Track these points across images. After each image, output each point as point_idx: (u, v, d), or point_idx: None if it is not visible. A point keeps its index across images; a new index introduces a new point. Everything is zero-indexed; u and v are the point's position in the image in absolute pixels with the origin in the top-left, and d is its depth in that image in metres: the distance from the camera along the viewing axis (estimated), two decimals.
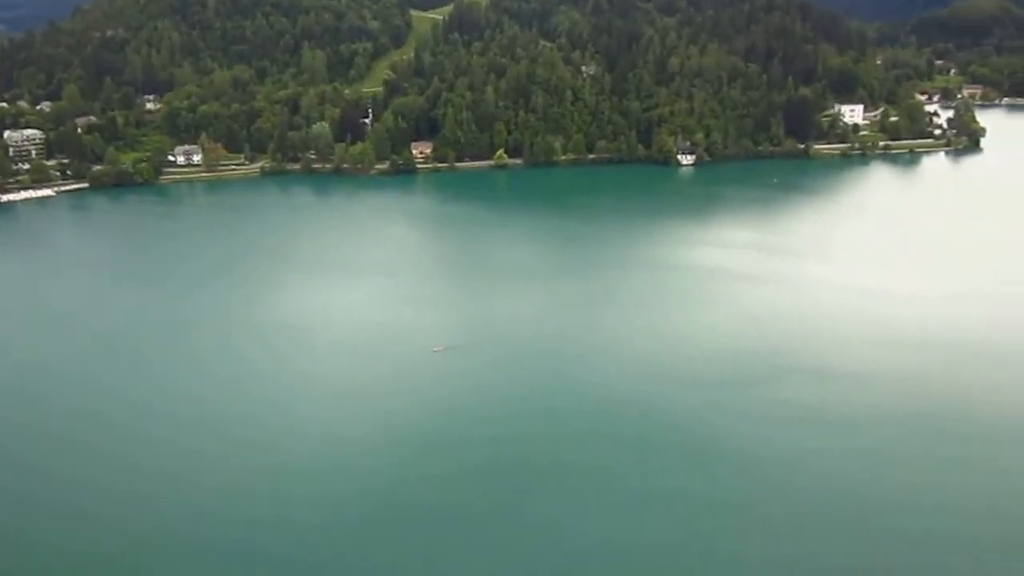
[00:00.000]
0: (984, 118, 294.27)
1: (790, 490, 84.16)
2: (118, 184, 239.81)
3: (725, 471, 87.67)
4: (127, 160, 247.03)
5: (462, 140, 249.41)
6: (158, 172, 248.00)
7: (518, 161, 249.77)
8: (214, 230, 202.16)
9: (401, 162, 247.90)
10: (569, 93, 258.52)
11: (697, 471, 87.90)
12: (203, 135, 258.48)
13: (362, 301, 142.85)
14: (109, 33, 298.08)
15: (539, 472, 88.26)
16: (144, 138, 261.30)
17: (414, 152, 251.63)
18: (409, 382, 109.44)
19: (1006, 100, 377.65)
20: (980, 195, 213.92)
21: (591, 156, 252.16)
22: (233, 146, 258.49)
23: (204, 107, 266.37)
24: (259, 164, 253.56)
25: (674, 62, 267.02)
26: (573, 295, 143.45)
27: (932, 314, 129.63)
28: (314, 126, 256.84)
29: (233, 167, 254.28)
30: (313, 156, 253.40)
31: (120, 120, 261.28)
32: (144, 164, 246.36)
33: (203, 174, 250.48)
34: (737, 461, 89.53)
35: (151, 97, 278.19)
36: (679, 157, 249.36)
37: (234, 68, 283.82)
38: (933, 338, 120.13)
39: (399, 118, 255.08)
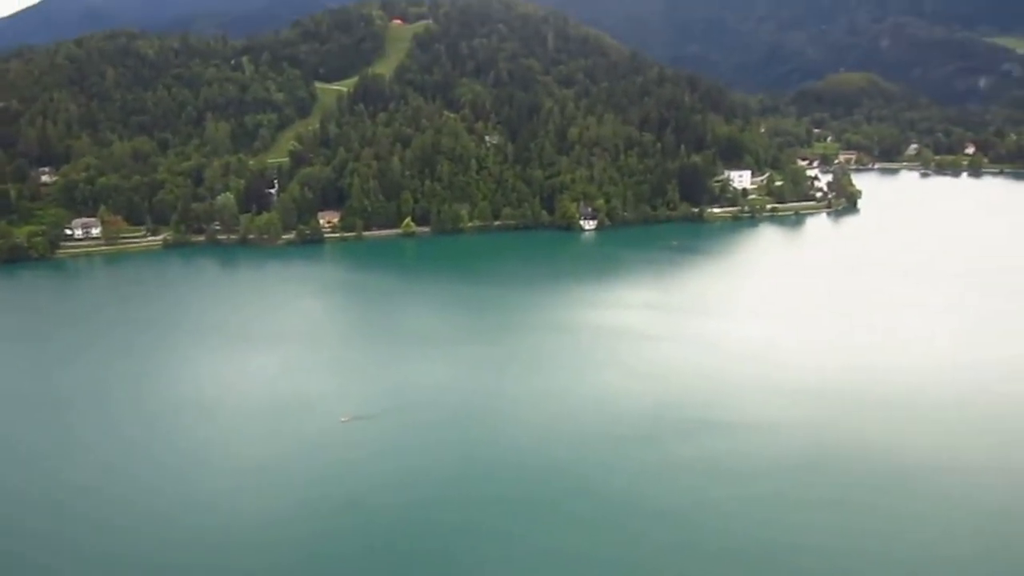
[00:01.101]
0: (859, 181, 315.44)
1: (696, 540, 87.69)
2: (11, 260, 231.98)
3: (631, 526, 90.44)
4: (21, 234, 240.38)
5: (369, 209, 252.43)
6: (54, 246, 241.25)
7: (425, 229, 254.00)
8: (114, 304, 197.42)
9: (308, 232, 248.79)
10: (474, 162, 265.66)
11: (604, 529, 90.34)
12: (102, 207, 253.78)
13: (269, 372, 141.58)
14: (1, 105, 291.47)
15: (448, 540, 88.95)
16: (39, 211, 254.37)
17: (321, 222, 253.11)
18: (316, 453, 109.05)
19: (878, 165, 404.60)
20: (859, 252, 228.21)
21: (497, 223, 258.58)
22: (134, 218, 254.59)
23: (103, 179, 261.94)
24: (161, 236, 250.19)
25: (573, 132, 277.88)
26: (481, 359, 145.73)
27: (820, 364, 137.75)
28: (219, 197, 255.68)
29: (134, 240, 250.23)
30: (218, 227, 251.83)
31: (13, 193, 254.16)
32: (39, 238, 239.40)
33: (102, 247, 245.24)
34: (643, 515, 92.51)
35: (47, 169, 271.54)
36: (581, 222, 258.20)
37: (134, 140, 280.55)
38: (823, 386, 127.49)
39: (305, 188, 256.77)
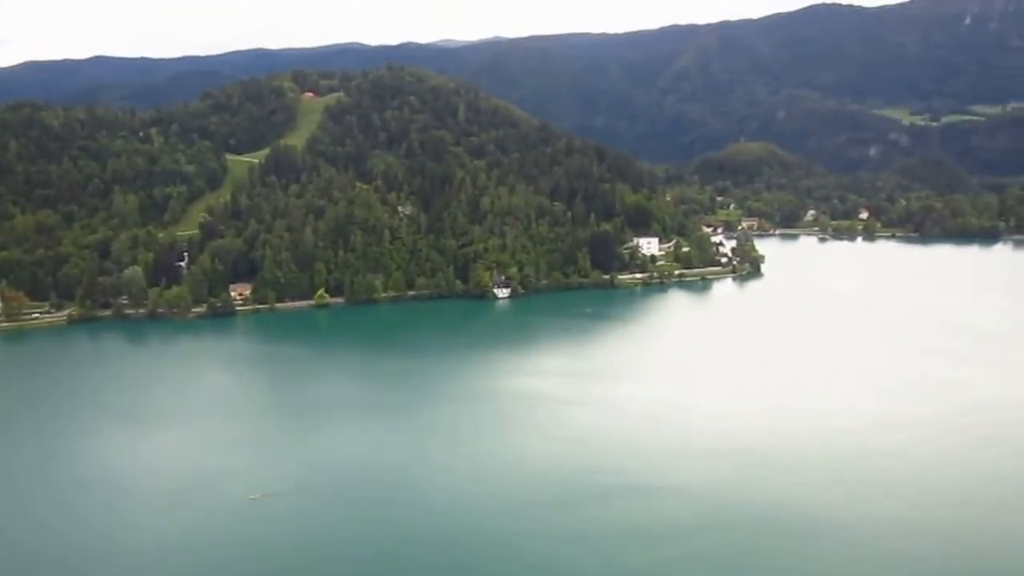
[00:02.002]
0: (762, 246, 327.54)
1: None
2: None
3: None
4: None
5: (282, 280, 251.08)
6: None
7: (339, 300, 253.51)
8: (18, 382, 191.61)
9: (219, 304, 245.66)
10: (387, 232, 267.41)
11: None
12: (3, 283, 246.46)
13: (177, 449, 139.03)
14: None
15: None
16: None
17: (233, 294, 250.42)
18: (223, 531, 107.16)
19: (779, 230, 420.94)
20: (763, 315, 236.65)
21: (411, 293, 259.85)
22: (37, 294, 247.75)
23: (4, 253, 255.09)
24: (66, 312, 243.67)
25: (485, 201, 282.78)
26: (398, 430, 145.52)
27: (727, 426, 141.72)
28: (126, 271, 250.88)
29: (37, 316, 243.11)
30: (125, 301, 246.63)
31: None
32: None
33: (3, 324, 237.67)
34: None
35: None
36: (495, 291, 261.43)
37: (38, 213, 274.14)
38: (731, 447, 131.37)
39: (216, 260, 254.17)
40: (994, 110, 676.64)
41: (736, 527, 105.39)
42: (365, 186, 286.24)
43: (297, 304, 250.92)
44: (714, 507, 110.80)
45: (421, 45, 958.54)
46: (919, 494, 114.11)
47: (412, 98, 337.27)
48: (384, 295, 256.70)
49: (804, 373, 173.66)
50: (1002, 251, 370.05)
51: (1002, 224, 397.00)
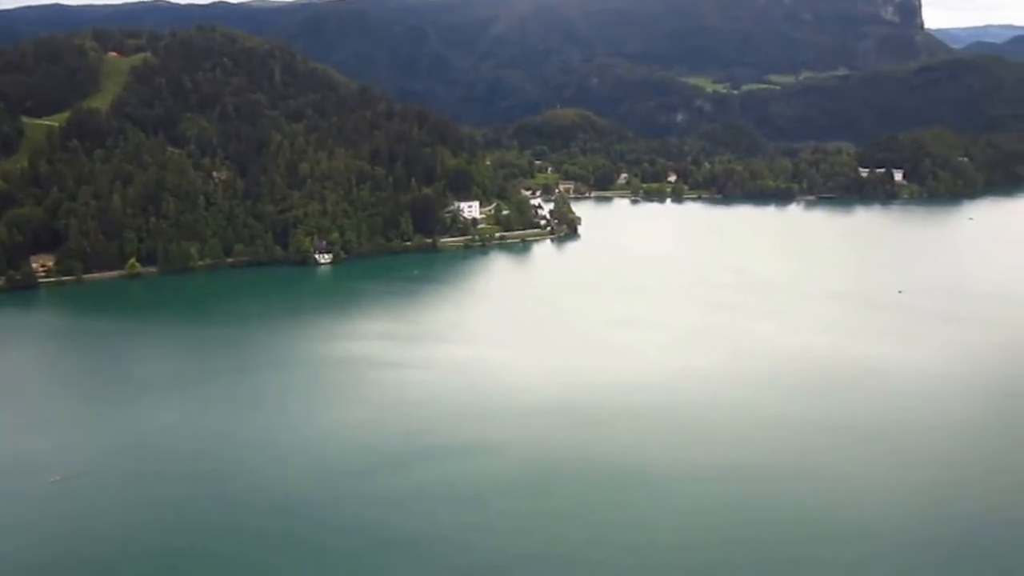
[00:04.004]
0: (578, 209, 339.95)
1: (436, 563, 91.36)
2: None
3: (372, 555, 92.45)
4: None
5: (89, 250, 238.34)
6: None
7: (152, 269, 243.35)
8: None
9: (19, 277, 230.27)
10: (201, 199, 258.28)
11: (346, 559, 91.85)
12: None
13: None
14: None
15: None
16: None
17: (34, 266, 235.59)
18: (19, 517, 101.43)
19: (594, 193, 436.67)
20: (582, 275, 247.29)
21: (229, 260, 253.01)
22: None
23: None
24: None
25: (304, 166, 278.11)
26: (217, 401, 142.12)
27: (551, 383, 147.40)
28: None
29: None
30: None
31: None
32: None
33: None
34: (385, 543, 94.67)
35: None
36: (316, 256, 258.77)
37: None
38: (555, 405, 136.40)
39: (14, 230, 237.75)
40: (788, 79, 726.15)
41: (558, 481, 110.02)
42: (177, 151, 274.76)
43: (107, 275, 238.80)
44: (537, 463, 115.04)
45: (233, 5, 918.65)
46: (724, 440, 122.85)
47: (225, 60, 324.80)
48: (200, 263, 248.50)
49: (619, 331, 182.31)
50: (795, 211, 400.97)
51: (796, 186, 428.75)
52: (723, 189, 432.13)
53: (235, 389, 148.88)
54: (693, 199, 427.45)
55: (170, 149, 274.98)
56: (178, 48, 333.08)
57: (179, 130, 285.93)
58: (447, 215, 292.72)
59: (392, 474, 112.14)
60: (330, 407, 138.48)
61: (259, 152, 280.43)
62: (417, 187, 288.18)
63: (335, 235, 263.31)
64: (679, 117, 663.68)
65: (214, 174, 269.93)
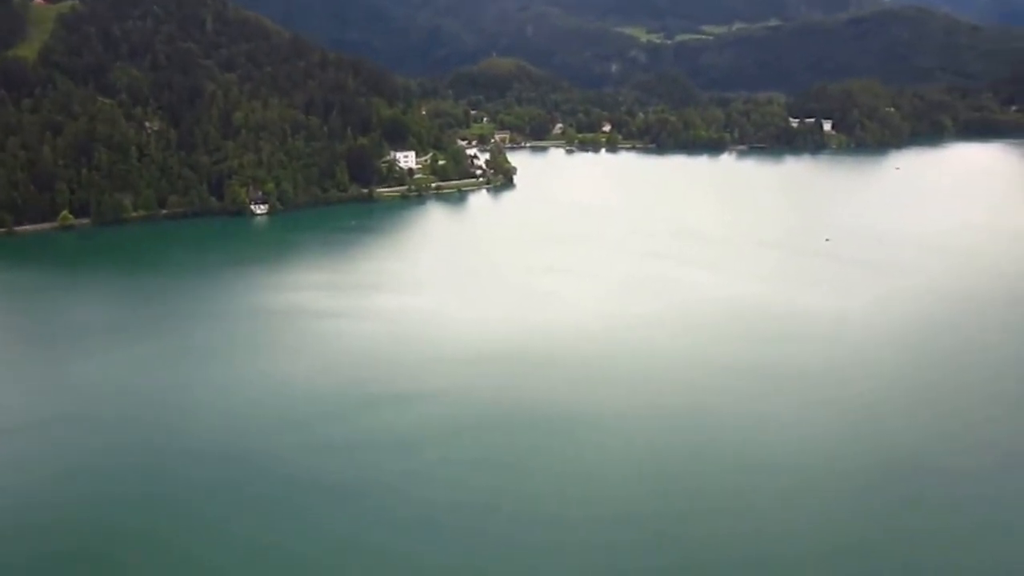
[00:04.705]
0: (514, 159, 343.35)
1: (375, 508, 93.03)
2: None
3: (309, 503, 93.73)
4: None
5: (19, 202, 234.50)
6: None
7: (85, 221, 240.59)
8: None
9: None
10: (134, 149, 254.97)
11: (283, 509, 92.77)
12: None
13: None
14: None
15: (120, 540, 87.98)
16: None
17: None
18: None
19: (529, 143, 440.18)
20: (518, 224, 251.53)
21: (163, 212, 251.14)
22: None
23: None
24: None
25: (239, 116, 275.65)
26: (153, 353, 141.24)
27: (492, 331, 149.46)
28: None
29: None
30: None
31: None
32: None
33: None
34: (322, 491, 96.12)
35: None
36: (252, 207, 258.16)
37: None
38: (496, 352, 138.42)
39: None
40: (721, 30, 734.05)
41: (495, 428, 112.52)
42: (108, 101, 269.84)
43: (38, 227, 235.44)
44: (474, 411, 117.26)
45: None
46: (655, 386, 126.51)
47: (155, 8, 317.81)
48: (134, 215, 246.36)
49: (555, 280, 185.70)
50: (727, 160, 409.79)
51: (728, 136, 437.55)
52: (657, 139, 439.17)
53: (173, 340, 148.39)
54: (627, 149, 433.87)
55: (101, 99, 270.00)
56: None
57: (109, 79, 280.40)
58: (383, 165, 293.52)
59: (331, 423, 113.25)
60: (268, 358, 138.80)
61: (192, 102, 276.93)
62: (353, 137, 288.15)
63: (270, 186, 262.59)
64: (613, 67, 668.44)
65: (146, 124, 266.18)
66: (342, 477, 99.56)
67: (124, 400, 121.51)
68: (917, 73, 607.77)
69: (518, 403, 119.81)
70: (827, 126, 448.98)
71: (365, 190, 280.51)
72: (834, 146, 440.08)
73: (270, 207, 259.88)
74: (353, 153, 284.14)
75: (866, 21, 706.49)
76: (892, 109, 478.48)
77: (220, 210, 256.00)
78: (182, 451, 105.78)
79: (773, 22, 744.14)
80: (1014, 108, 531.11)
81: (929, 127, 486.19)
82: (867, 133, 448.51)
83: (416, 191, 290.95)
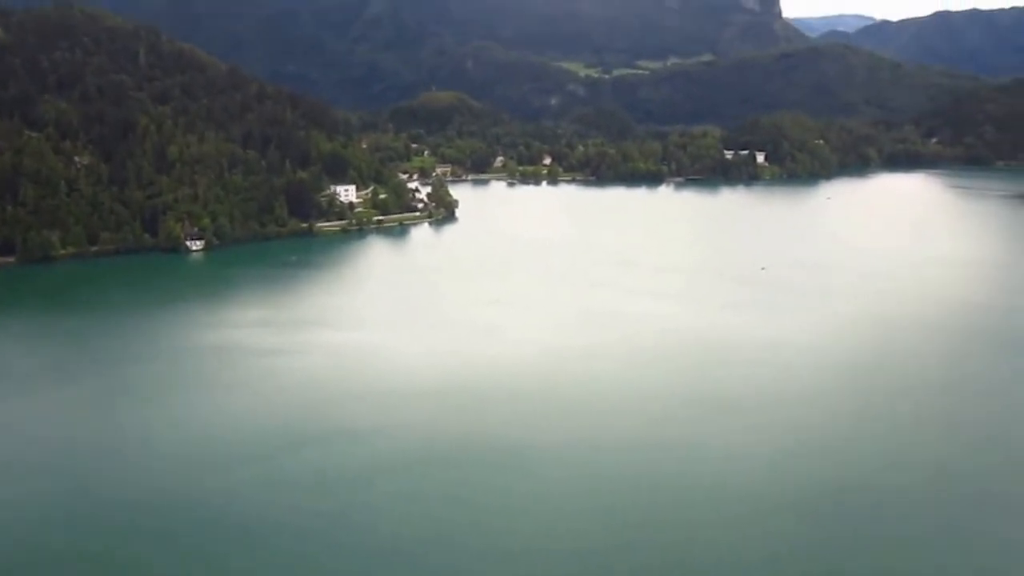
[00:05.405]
0: (456, 192, 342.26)
1: (302, 549, 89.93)
2: None
3: (243, 550, 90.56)
4: None
5: None
6: None
7: (10, 259, 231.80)
8: None
9: None
10: (63, 184, 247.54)
11: (218, 554, 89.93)
12: None
13: None
14: None
15: None
16: None
17: None
18: None
19: (471, 176, 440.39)
20: (460, 257, 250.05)
21: (94, 249, 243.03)
22: None
23: None
24: None
25: (173, 150, 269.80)
26: (86, 395, 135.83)
27: (434, 365, 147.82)
28: None
29: None
30: None
31: None
32: None
33: None
34: (275, 531, 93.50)
35: None
36: (187, 243, 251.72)
37: None
38: (436, 387, 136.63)
39: None
40: (657, 65, 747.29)
41: (443, 462, 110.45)
42: (35, 134, 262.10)
43: None
44: (422, 445, 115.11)
45: None
46: (597, 417, 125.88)
47: (85, 39, 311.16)
48: (63, 252, 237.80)
49: (500, 312, 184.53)
50: (665, 192, 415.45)
51: (665, 168, 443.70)
52: (597, 171, 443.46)
53: (104, 382, 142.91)
54: (568, 181, 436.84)
55: (27, 132, 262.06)
56: (33, 25, 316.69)
57: (37, 112, 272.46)
58: (323, 199, 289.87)
59: (273, 461, 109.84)
60: (205, 398, 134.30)
61: (125, 136, 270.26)
62: (292, 171, 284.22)
63: (206, 221, 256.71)
64: (553, 101, 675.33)
65: (76, 159, 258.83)
66: (288, 515, 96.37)
67: (50, 446, 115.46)
68: (843, 107, 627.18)
69: (465, 437, 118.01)
70: (760, 158, 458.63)
71: (305, 224, 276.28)
72: (767, 177, 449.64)
73: (206, 243, 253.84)
74: (292, 187, 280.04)
75: (795, 57, 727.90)
76: (821, 141, 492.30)
77: (154, 246, 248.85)
78: (112, 497, 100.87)
79: (707, 57, 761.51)
80: (934, 140, 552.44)
81: (856, 159, 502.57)
82: (798, 164, 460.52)
83: (357, 225, 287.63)
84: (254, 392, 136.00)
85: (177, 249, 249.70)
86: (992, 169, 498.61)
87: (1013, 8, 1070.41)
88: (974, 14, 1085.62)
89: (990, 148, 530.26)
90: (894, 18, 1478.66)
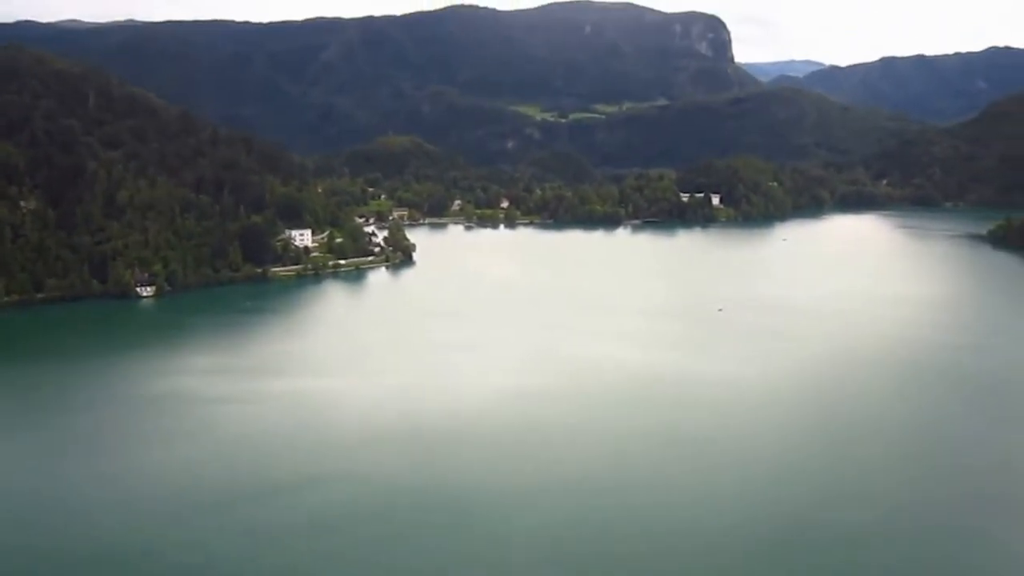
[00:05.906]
0: (413, 235, 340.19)
1: None
2: None
3: None
4: None
5: None
6: None
7: None
8: None
9: None
10: (8, 230, 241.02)
11: None
12: None
13: None
14: None
15: None
16: None
17: None
18: None
19: (428, 219, 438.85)
20: (417, 301, 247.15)
21: (40, 295, 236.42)
22: None
23: None
24: None
25: (123, 195, 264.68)
26: (24, 447, 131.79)
27: (392, 413, 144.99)
28: None
29: None
30: None
31: None
32: None
33: None
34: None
35: None
36: (138, 290, 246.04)
37: None
38: (396, 433, 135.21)
39: None
40: (612, 108, 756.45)
41: (402, 508, 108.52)
42: None
43: None
44: (381, 491, 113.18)
45: (42, 24, 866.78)
46: (559, 458, 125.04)
47: (33, 82, 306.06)
48: (7, 299, 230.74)
49: (455, 355, 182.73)
50: (622, 234, 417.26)
51: (622, 210, 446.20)
52: (554, 214, 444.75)
53: (50, 433, 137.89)
54: (526, 224, 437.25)
55: None
56: None
57: None
58: (278, 244, 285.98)
59: (229, 511, 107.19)
60: (158, 447, 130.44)
61: (73, 181, 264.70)
62: (246, 215, 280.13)
63: (158, 267, 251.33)
64: (509, 144, 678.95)
65: (21, 203, 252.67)
66: (243, 567, 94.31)
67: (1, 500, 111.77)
68: (795, 150, 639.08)
69: (424, 482, 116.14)
70: (715, 200, 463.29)
71: (259, 270, 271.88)
72: (723, 219, 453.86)
73: (157, 289, 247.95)
74: (246, 232, 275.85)
75: (747, 101, 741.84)
76: (775, 183, 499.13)
77: (103, 293, 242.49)
78: (59, 550, 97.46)
79: (661, 101, 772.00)
80: (885, 182, 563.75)
81: (809, 200, 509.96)
82: (753, 206, 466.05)
83: (313, 270, 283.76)
84: (208, 441, 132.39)
85: (127, 295, 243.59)
86: (940, 209, 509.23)
87: (955, 54, 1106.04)
88: (919, 60, 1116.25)
89: (938, 189, 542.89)
90: (842, 63, 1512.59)
